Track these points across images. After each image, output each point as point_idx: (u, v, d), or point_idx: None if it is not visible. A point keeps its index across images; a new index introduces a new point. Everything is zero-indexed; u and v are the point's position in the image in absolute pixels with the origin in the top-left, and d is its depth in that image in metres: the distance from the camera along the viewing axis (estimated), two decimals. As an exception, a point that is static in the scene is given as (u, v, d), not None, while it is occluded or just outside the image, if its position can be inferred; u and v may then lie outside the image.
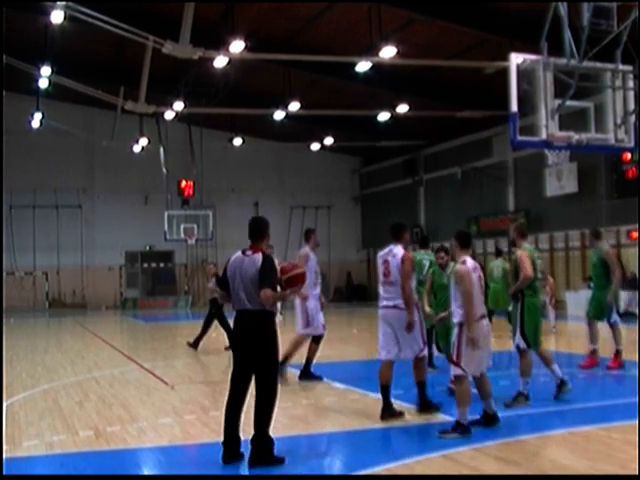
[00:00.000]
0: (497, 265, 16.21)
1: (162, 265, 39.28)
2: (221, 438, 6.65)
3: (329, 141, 35.11)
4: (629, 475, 6.01)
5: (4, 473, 6.08)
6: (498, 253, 18.01)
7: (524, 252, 9.14)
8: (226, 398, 6.79)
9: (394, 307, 8.28)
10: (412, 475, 6.19)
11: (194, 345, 16.25)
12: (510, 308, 9.61)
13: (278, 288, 6.74)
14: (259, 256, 6.69)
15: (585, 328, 16.69)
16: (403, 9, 22.32)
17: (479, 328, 7.44)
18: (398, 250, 8.34)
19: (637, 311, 22.63)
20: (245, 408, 6.71)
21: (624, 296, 23.93)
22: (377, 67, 23.29)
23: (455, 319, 7.56)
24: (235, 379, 6.77)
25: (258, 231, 6.90)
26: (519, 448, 6.60)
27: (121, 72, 28.31)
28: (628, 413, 8.31)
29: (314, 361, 11.35)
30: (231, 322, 7.01)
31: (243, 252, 6.84)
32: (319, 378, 11.09)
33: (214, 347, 16.15)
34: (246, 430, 6.64)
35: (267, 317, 6.70)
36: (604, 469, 6.18)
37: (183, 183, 36.37)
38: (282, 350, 8.43)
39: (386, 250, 8.47)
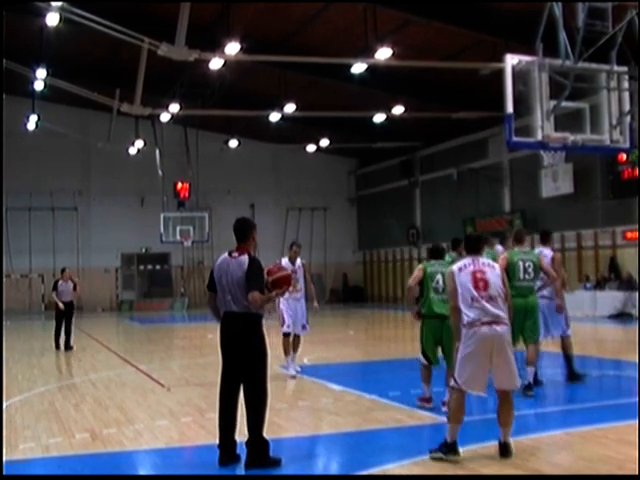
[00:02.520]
0: None
1: (158, 267, 39.26)
2: (217, 440, 6.64)
3: (325, 143, 35.13)
4: (628, 475, 6.01)
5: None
6: None
7: (504, 255, 9.98)
8: (218, 401, 6.79)
9: (542, 297, 10.15)
10: (409, 475, 6.19)
11: (67, 346, 17.44)
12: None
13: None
14: (245, 258, 6.66)
15: (581, 329, 16.74)
16: (398, 10, 22.35)
17: (472, 336, 6.49)
18: (547, 252, 10.40)
19: (635, 312, 22.65)
20: (240, 410, 6.70)
21: (620, 297, 23.98)
22: (373, 68, 23.31)
23: None
24: (224, 382, 6.75)
25: (243, 232, 6.87)
26: (516, 449, 6.60)
27: (116, 74, 28.30)
28: (624, 414, 8.32)
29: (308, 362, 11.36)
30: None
31: (229, 254, 6.82)
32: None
33: (210, 348, 16.13)
34: (242, 432, 6.63)
35: (253, 319, 6.66)
36: (601, 469, 6.18)
37: (179, 185, 36.39)
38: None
39: (537, 251, 10.36)
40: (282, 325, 11.82)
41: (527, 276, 9.70)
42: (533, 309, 9.79)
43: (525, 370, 9.27)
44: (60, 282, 17.97)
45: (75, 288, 18.06)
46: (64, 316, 17.78)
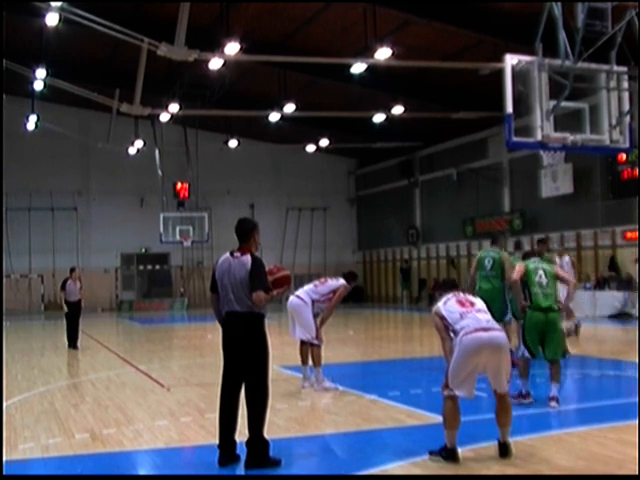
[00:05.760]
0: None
1: (158, 267, 39.25)
2: (217, 440, 6.64)
3: (325, 143, 35.12)
4: (628, 475, 6.01)
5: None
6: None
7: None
8: (218, 400, 6.79)
9: None
10: (408, 475, 6.19)
11: (73, 346, 17.57)
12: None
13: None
14: (248, 258, 6.68)
15: (581, 329, 16.71)
16: (398, 10, 22.35)
17: (466, 342, 6.42)
18: None
19: (635, 312, 22.63)
20: (241, 410, 6.71)
21: (620, 297, 23.97)
22: (372, 69, 23.31)
23: None
24: (226, 381, 6.76)
25: (244, 232, 6.89)
26: (516, 449, 6.60)
27: (116, 74, 28.30)
28: (623, 413, 8.32)
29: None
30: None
31: (231, 253, 6.83)
32: None
33: (210, 349, 16.14)
34: (242, 432, 6.63)
35: (256, 319, 6.68)
36: (601, 469, 6.18)
37: (178, 185, 36.44)
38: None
39: None
40: (317, 337, 10.44)
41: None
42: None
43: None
44: (69, 281, 17.87)
45: (80, 288, 18.02)
46: (73, 316, 17.73)
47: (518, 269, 9.30)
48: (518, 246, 13.92)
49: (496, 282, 11.99)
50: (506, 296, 11.94)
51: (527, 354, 8.98)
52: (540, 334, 8.94)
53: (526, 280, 9.13)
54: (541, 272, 9.13)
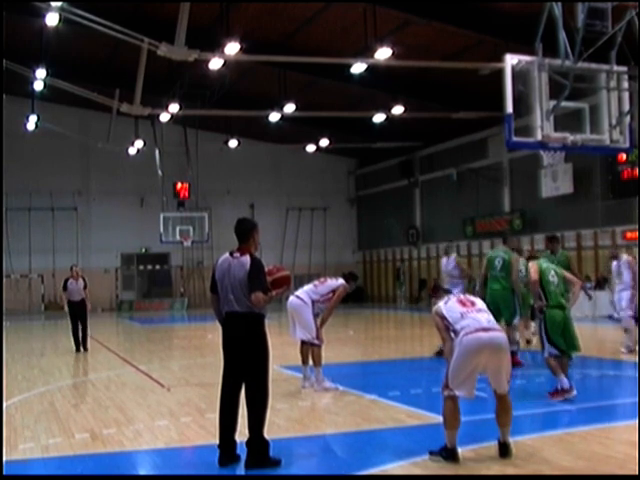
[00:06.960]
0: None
1: (158, 267, 39.27)
2: (217, 440, 6.64)
3: (325, 143, 35.14)
4: (628, 475, 6.00)
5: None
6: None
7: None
8: (218, 400, 6.79)
9: None
10: (408, 475, 6.18)
11: (83, 347, 16.92)
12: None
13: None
14: (247, 258, 6.68)
15: (581, 329, 16.58)
16: (398, 10, 22.36)
17: (466, 342, 6.41)
18: None
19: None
20: (241, 410, 6.70)
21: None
22: (372, 68, 23.32)
23: None
24: (226, 381, 6.76)
25: (244, 232, 6.89)
26: (516, 449, 6.59)
27: (116, 74, 28.31)
28: (623, 413, 8.32)
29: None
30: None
31: (231, 254, 6.83)
32: None
33: (210, 349, 16.14)
34: (242, 432, 6.63)
35: (256, 319, 6.68)
36: (602, 469, 6.17)
37: (179, 185, 36.46)
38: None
39: None
40: (318, 337, 10.42)
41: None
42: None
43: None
44: (70, 281, 17.24)
45: (85, 287, 17.32)
46: (77, 316, 17.02)
47: (534, 268, 9.47)
48: (505, 241, 13.86)
49: (506, 282, 12.30)
50: (516, 297, 12.15)
51: (555, 351, 9.18)
52: (561, 330, 9.23)
53: (540, 279, 9.38)
54: (553, 272, 9.46)
